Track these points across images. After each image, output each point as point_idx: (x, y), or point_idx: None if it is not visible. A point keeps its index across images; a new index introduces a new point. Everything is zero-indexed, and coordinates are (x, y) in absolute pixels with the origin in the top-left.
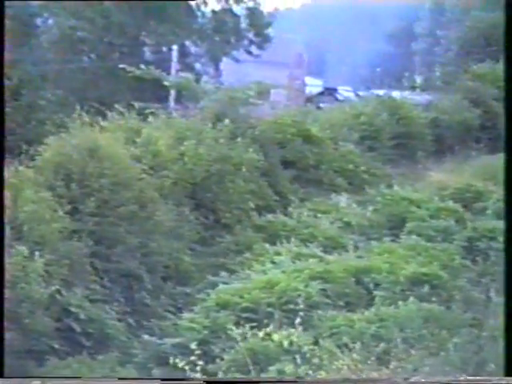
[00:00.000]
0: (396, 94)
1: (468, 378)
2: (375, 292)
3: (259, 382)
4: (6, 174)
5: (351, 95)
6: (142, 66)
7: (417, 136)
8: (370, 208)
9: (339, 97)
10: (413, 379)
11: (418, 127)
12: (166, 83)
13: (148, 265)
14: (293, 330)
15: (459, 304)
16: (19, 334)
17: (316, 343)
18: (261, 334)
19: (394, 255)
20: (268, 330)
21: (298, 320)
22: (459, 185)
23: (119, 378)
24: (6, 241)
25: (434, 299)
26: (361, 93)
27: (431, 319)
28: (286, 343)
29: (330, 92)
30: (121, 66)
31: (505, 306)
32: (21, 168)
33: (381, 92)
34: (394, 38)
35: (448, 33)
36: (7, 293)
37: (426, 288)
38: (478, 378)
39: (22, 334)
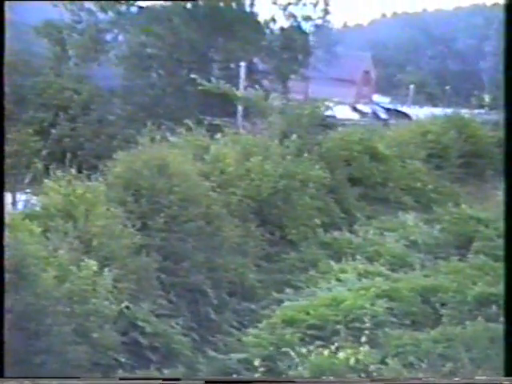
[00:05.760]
0: (464, 112)
1: (467, 378)
2: (442, 311)
3: (259, 381)
4: (80, 189)
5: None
6: (212, 79)
7: (485, 154)
8: (437, 227)
9: None
10: (413, 379)
11: (486, 146)
12: (236, 95)
13: (214, 280)
14: (359, 348)
15: None
16: (87, 347)
17: (382, 362)
18: (327, 351)
19: (462, 274)
20: (334, 347)
21: (364, 338)
22: None
23: (120, 378)
24: (77, 254)
25: (501, 319)
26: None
27: (498, 339)
28: (352, 361)
29: None
30: (192, 76)
31: (505, 306)
32: (95, 183)
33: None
34: (463, 56)
35: None
36: (77, 307)
37: (494, 308)
38: (477, 378)
39: (89, 348)
